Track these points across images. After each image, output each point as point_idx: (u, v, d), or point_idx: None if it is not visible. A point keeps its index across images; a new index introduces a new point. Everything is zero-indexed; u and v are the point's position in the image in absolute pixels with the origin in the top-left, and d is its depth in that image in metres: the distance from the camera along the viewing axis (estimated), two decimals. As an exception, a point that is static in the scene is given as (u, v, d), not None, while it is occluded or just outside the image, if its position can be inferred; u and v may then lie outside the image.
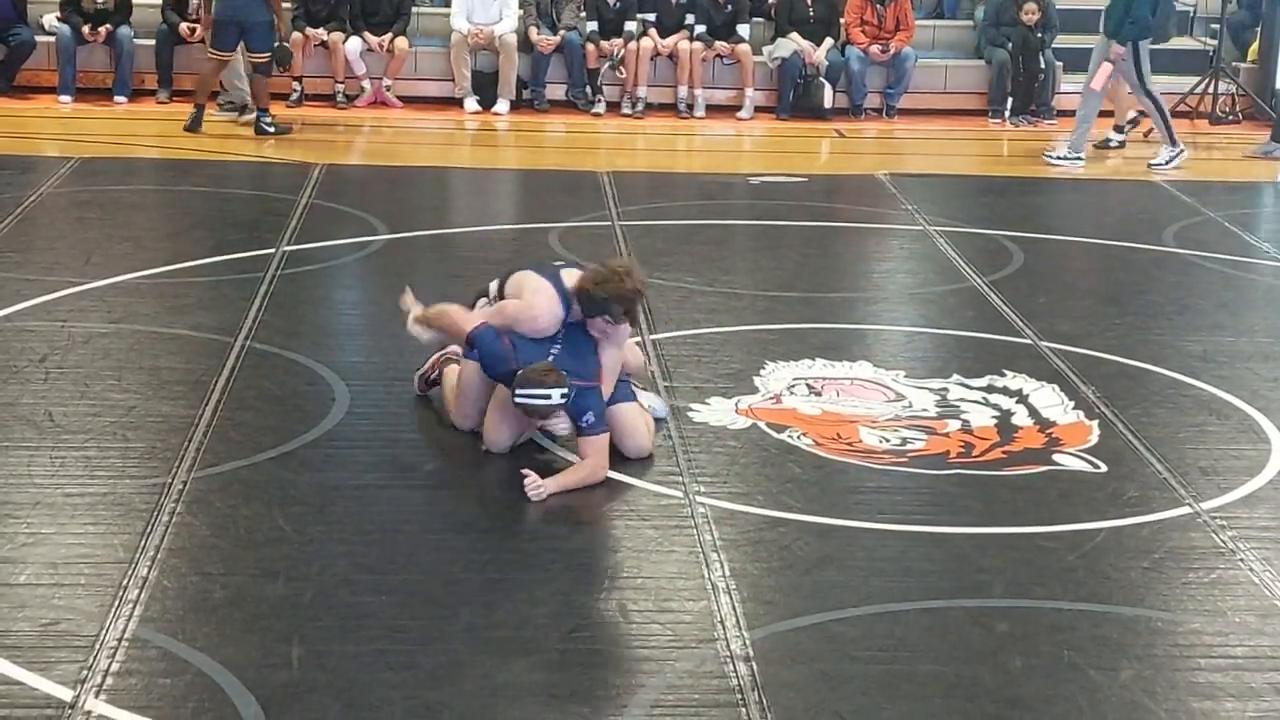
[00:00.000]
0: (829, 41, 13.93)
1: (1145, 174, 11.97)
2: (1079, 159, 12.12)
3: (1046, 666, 4.78)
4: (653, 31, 13.73)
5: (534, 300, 6.10)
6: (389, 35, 13.56)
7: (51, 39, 13.44)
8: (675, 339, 7.64)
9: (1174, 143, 12.07)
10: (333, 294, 8.40)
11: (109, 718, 4.33)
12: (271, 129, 12.30)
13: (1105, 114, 12.80)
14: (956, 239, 9.75)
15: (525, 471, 5.81)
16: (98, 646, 4.65)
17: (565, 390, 5.82)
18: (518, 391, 5.84)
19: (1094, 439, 6.56)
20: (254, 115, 12.35)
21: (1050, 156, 12.23)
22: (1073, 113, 12.73)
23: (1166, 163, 12.02)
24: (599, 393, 6.00)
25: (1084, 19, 14.87)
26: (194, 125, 12.28)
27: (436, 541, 5.54)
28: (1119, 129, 12.92)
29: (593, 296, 5.98)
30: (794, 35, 13.89)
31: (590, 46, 13.70)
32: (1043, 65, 13.89)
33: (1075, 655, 4.84)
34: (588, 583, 5.24)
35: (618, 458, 6.10)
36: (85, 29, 13.24)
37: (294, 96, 13.43)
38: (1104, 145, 12.81)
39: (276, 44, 12.33)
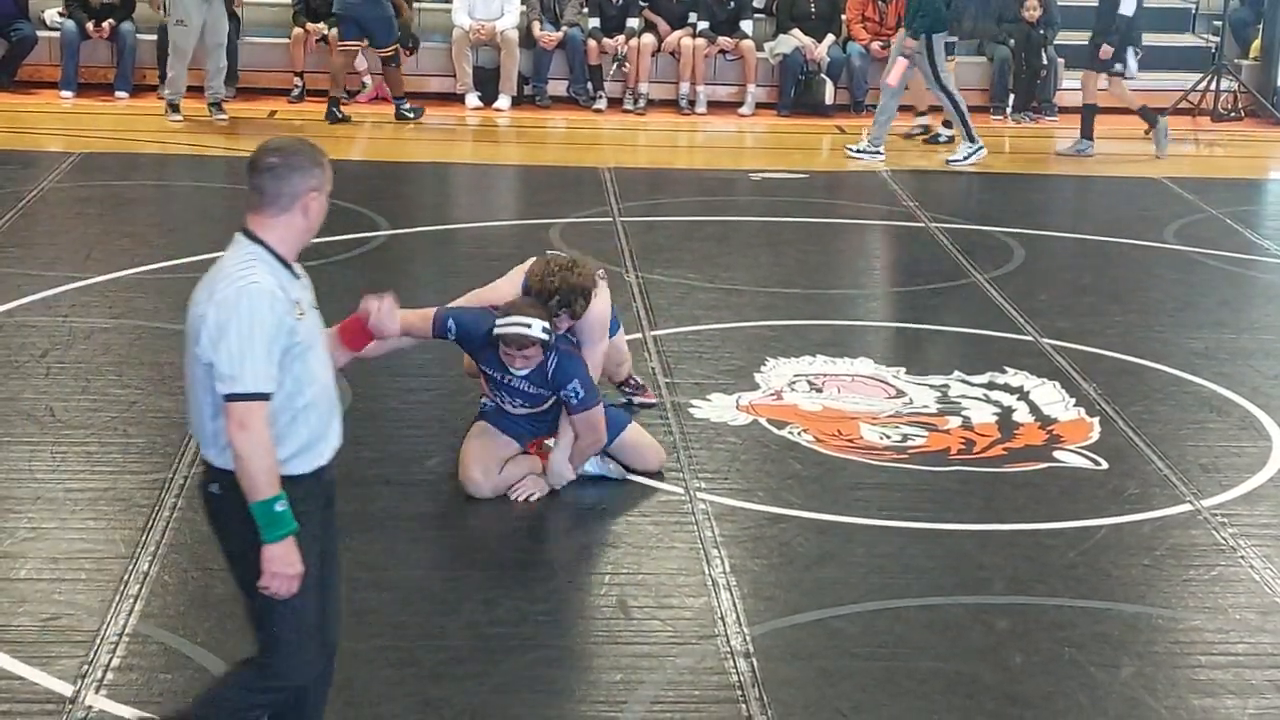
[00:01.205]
0: (830, 38, 13.92)
1: (1147, 171, 11.96)
2: (878, 153, 11.98)
3: (1047, 663, 4.78)
4: (662, 24, 13.71)
5: (496, 282, 6.01)
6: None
7: (53, 34, 13.44)
8: (676, 335, 7.64)
9: (972, 139, 11.91)
10: (334, 289, 8.36)
11: (109, 713, 4.33)
12: (411, 114, 12.81)
13: (935, 109, 12.62)
14: (957, 235, 9.75)
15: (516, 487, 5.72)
16: (98, 641, 4.65)
17: (546, 326, 5.57)
18: (499, 322, 5.58)
19: (1095, 436, 6.56)
20: (220, 116, 12.38)
21: (851, 150, 12.10)
22: (1076, 109, 12.71)
23: (964, 159, 11.90)
24: (583, 362, 5.74)
25: (1087, 15, 14.86)
26: (333, 117, 12.68)
27: (437, 538, 5.54)
28: (947, 124, 12.64)
29: (545, 290, 5.68)
30: (796, 31, 13.88)
31: (592, 43, 13.69)
32: (1045, 62, 13.87)
33: (1076, 652, 4.84)
34: (588, 579, 5.25)
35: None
36: (89, 24, 13.23)
37: (295, 92, 13.42)
38: (933, 140, 12.65)
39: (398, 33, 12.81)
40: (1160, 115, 12.34)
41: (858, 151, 12.01)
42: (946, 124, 12.60)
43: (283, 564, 3.62)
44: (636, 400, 6.60)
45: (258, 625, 3.76)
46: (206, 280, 3.71)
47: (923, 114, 12.78)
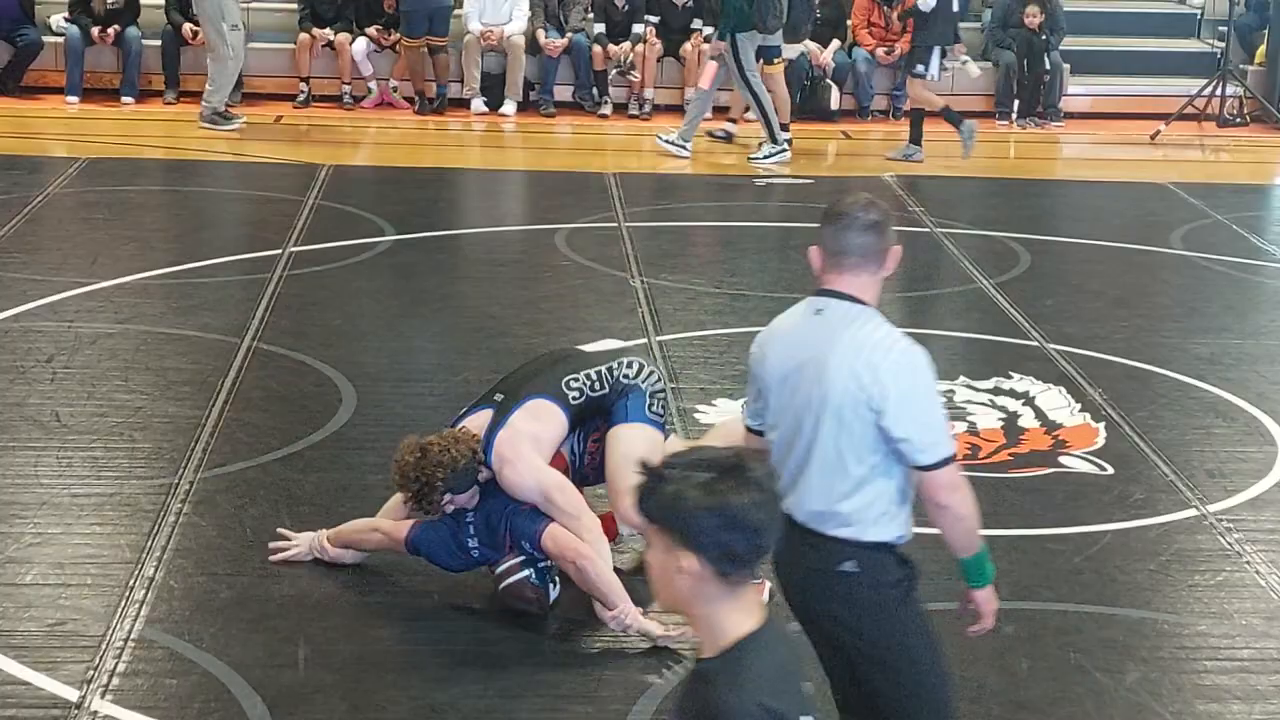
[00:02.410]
0: (836, 43, 13.92)
1: (1153, 176, 11.95)
2: (684, 149, 11.95)
3: (1053, 668, 4.77)
4: (651, 33, 13.71)
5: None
6: (395, 35, 13.55)
7: (58, 40, 13.46)
8: (681, 340, 7.64)
9: (774, 140, 11.86)
10: (340, 295, 8.39)
11: (115, 718, 4.34)
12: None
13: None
14: (963, 241, 9.75)
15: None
16: (104, 647, 4.65)
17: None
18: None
19: (1101, 441, 6.55)
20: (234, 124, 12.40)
21: (661, 138, 12.07)
22: (1081, 115, 12.73)
23: (765, 158, 11.85)
24: (530, 514, 4.96)
25: (1092, 21, 14.88)
26: (431, 107, 13.20)
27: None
28: (732, 121, 12.65)
29: (406, 488, 4.94)
30: (801, 37, 13.88)
31: (597, 49, 13.70)
32: (1048, 67, 13.88)
33: (1082, 657, 4.83)
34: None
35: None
36: (94, 30, 13.25)
37: (300, 98, 13.43)
38: (715, 137, 12.58)
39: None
40: (966, 117, 11.98)
41: (667, 142, 12.03)
42: (732, 121, 12.58)
43: (991, 603, 3.80)
44: None
45: (900, 713, 3.68)
46: (824, 357, 3.56)
47: (734, 120, 12.73)
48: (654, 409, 5.21)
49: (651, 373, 5.29)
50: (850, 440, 3.54)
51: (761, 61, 11.79)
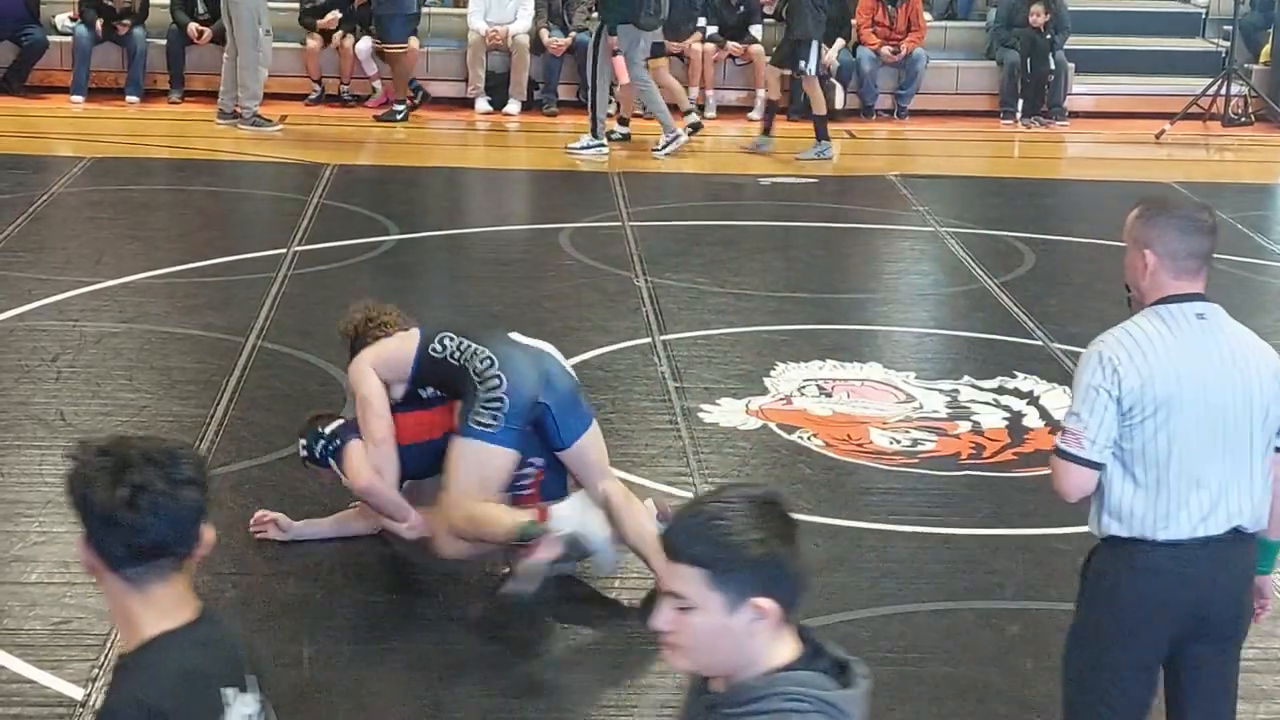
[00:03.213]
0: (840, 42, 13.90)
1: (1158, 175, 11.94)
2: (677, 139, 11.99)
3: (1058, 668, 4.76)
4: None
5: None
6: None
7: (64, 39, 13.46)
8: (685, 340, 7.64)
9: (595, 133, 11.92)
10: (344, 294, 8.37)
11: (120, 716, 4.33)
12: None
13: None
14: (967, 240, 9.74)
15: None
16: (108, 645, 4.66)
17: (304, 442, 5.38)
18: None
19: (1105, 441, 6.53)
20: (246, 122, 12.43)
21: (656, 152, 12.05)
22: (1086, 114, 12.71)
23: (583, 148, 11.88)
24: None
25: (1096, 20, 14.87)
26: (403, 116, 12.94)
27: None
28: (623, 121, 12.64)
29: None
30: (805, 36, 13.86)
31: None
32: (1053, 66, 13.87)
33: (1086, 657, 4.82)
34: (598, 582, 5.24)
35: (631, 461, 6.11)
36: (100, 24, 13.20)
37: (312, 96, 13.41)
38: (611, 136, 12.48)
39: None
40: (816, 127, 12.02)
41: (658, 150, 12.04)
42: (623, 121, 12.61)
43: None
44: None
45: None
46: (1242, 361, 3.58)
47: (689, 111, 12.72)
48: (480, 419, 4.97)
49: (494, 378, 5.01)
50: (1265, 437, 3.54)
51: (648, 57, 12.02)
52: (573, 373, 5.37)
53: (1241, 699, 4.63)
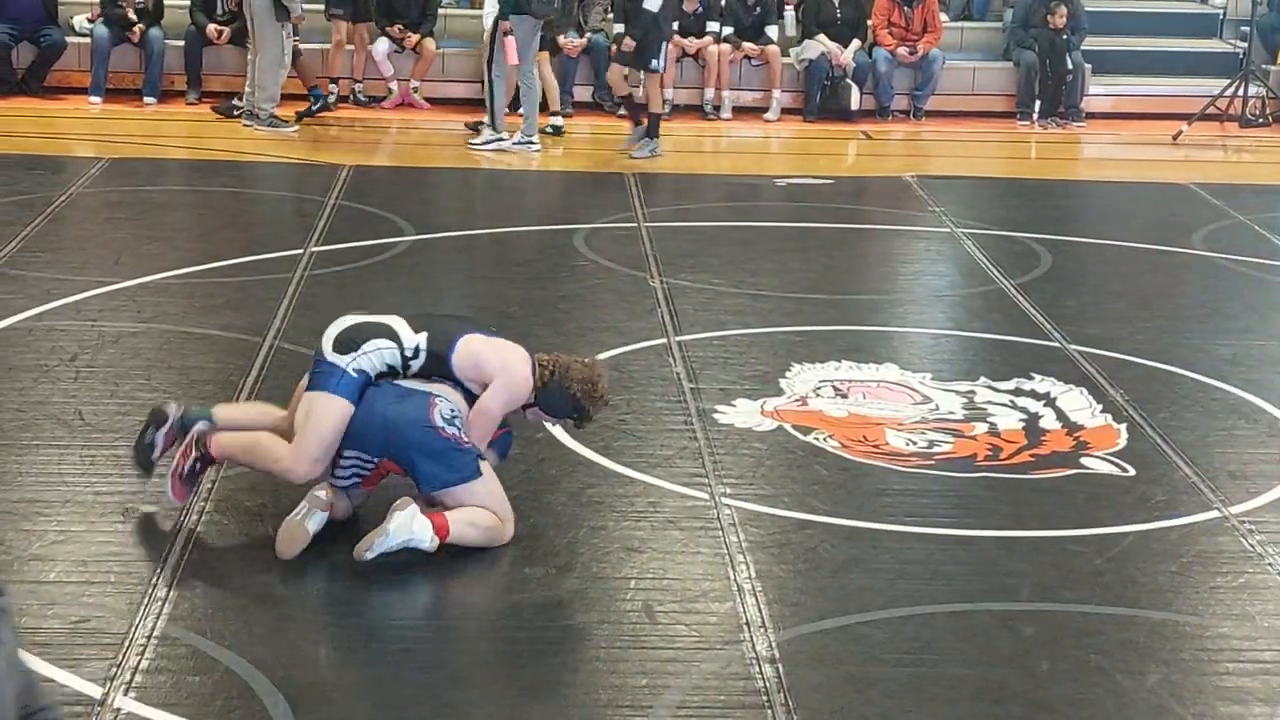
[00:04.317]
0: (856, 43, 13.92)
1: (1175, 177, 11.92)
2: (500, 140, 12.07)
3: (1074, 670, 4.77)
4: (676, 39, 13.72)
5: (512, 372, 5.46)
6: (415, 36, 13.57)
7: (81, 40, 13.51)
8: (701, 340, 7.64)
9: (495, 126, 11.96)
10: (360, 295, 8.41)
11: (138, 715, 4.35)
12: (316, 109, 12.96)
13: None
14: (984, 241, 9.73)
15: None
16: (127, 644, 4.67)
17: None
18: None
19: (1122, 442, 6.54)
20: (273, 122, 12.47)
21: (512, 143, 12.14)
22: (1103, 115, 12.70)
23: (483, 144, 11.90)
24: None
25: (1114, 21, 14.85)
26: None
27: (463, 541, 5.53)
28: (556, 115, 12.74)
29: (569, 396, 5.45)
30: (821, 37, 13.88)
31: (616, 49, 13.70)
32: (1070, 67, 13.85)
33: (1102, 659, 4.83)
34: (613, 584, 5.25)
35: (647, 462, 6.11)
36: (121, 29, 13.26)
37: (331, 98, 13.41)
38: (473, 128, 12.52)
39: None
40: (649, 125, 11.93)
41: (515, 143, 12.09)
42: (555, 114, 12.65)
43: None
44: None
45: None
46: None
47: (555, 113, 12.79)
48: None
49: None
50: None
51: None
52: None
53: (1260, 700, 4.63)
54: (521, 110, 12.13)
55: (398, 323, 5.44)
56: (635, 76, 12.23)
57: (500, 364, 5.41)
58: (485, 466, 5.36)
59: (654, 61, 11.83)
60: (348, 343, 5.39)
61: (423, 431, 5.21)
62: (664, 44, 11.95)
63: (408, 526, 5.17)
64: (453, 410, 5.30)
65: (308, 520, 5.22)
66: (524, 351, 5.50)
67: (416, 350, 5.40)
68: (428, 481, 5.26)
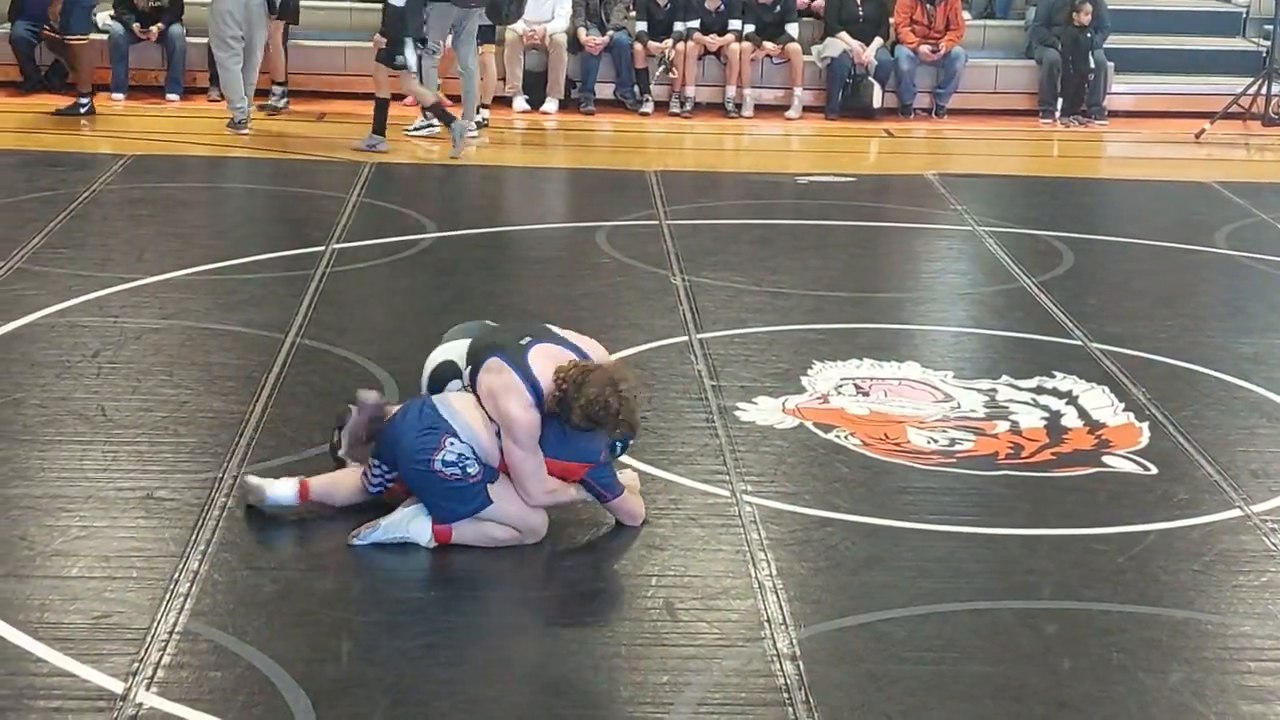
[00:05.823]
0: (878, 41, 13.90)
1: (1197, 175, 11.87)
2: (432, 125, 12.13)
3: (1095, 668, 4.76)
4: (698, 36, 13.73)
5: (510, 421, 5.32)
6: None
7: (104, 37, 13.55)
8: (722, 338, 7.64)
9: (379, 131, 11.78)
10: (382, 292, 8.43)
11: (160, 710, 4.37)
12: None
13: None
14: (1006, 239, 9.71)
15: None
16: (149, 639, 4.69)
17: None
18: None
19: (1144, 441, 6.52)
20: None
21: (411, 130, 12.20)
22: (1125, 114, 12.66)
23: (366, 146, 11.67)
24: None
25: (1136, 19, 14.81)
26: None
27: (484, 538, 5.54)
28: (485, 106, 12.78)
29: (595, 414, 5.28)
30: (843, 35, 13.87)
31: (638, 46, 13.72)
32: (1093, 65, 13.82)
33: (1124, 657, 4.82)
34: (634, 581, 5.25)
35: (668, 459, 6.12)
36: (136, 27, 13.32)
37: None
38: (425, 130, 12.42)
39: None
40: (455, 117, 11.81)
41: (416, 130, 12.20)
42: (483, 106, 12.68)
43: None
44: None
45: None
46: None
47: (485, 106, 12.79)
48: None
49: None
50: None
51: (480, 41, 12.16)
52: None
53: (1255, 702, 4.61)
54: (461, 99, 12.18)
55: (460, 356, 5.61)
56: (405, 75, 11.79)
57: (498, 413, 5.31)
58: (498, 490, 5.33)
59: (398, 59, 11.42)
60: (434, 385, 5.62)
61: (424, 475, 5.28)
62: (408, 41, 11.44)
63: (403, 525, 5.30)
64: (460, 455, 5.27)
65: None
66: (520, 385, 5.31)
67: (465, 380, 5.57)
68: (438, 514, 5.32)
